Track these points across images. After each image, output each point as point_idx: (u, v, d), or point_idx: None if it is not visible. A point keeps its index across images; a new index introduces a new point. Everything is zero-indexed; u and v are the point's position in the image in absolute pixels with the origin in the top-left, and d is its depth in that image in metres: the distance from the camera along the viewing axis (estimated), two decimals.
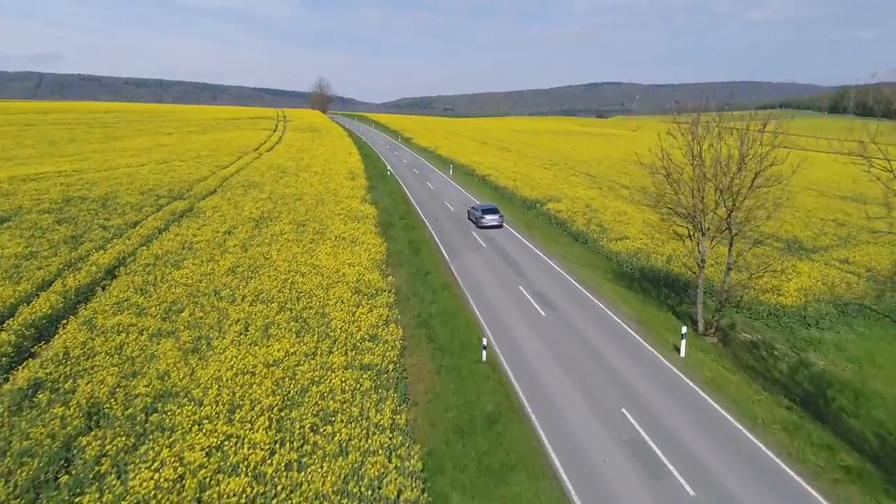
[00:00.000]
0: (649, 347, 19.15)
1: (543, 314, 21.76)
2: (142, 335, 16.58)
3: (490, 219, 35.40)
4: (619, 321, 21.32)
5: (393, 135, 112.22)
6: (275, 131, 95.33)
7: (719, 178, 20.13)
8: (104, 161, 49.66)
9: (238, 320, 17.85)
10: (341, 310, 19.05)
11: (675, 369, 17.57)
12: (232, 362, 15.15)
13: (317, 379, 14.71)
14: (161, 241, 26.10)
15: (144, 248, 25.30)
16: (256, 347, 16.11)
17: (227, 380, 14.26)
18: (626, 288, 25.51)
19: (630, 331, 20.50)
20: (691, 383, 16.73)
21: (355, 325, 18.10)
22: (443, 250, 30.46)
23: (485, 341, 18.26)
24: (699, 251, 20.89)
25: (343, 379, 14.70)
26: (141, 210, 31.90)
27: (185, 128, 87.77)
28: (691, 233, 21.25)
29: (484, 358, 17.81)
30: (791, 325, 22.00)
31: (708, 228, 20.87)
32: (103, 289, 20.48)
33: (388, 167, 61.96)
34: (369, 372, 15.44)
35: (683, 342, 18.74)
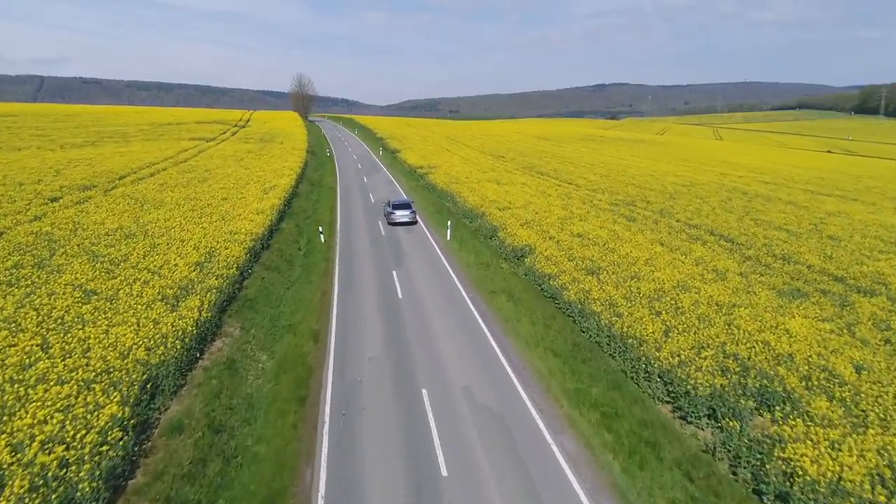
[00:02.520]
0: None
1: None
2: None
3: (401, 214, 31.05)
4: None
5: (375, 145, 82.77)
6: (209, 141, 66.09)
7: None
8: None
9: None
10: None
11: None
12: None
13: None
14: None
15: None
16: None
17: None
18: None
19: None
20: None
21: None
22: None
23: None
24: None
25: None
26: None
27: (70, 138, 58.57)
28: None
29: None
30: None
31: None
32: None
33: (336, 216, 32.90)
34: None
35: None
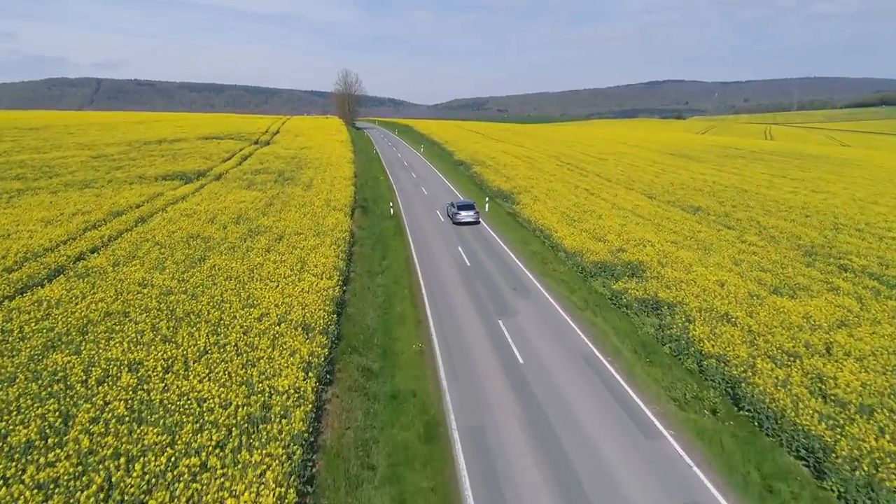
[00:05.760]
0: None
1: None
2: None
3: (465, 215, 31.71)
4: None
5: (460, 178, 51.76)
6: (189, 182, 36.70)
7: None
8: None
9: None
10: None
11: None
12: None
13: None
14: None
15: None
16: None
17: None
18: None
19: None
20: None
21: None
22: None
23: None
24: None
25: None
26: None
27: None
28: None
29: None
30: None
31: None
32: None
33: None
34: None
35: None
